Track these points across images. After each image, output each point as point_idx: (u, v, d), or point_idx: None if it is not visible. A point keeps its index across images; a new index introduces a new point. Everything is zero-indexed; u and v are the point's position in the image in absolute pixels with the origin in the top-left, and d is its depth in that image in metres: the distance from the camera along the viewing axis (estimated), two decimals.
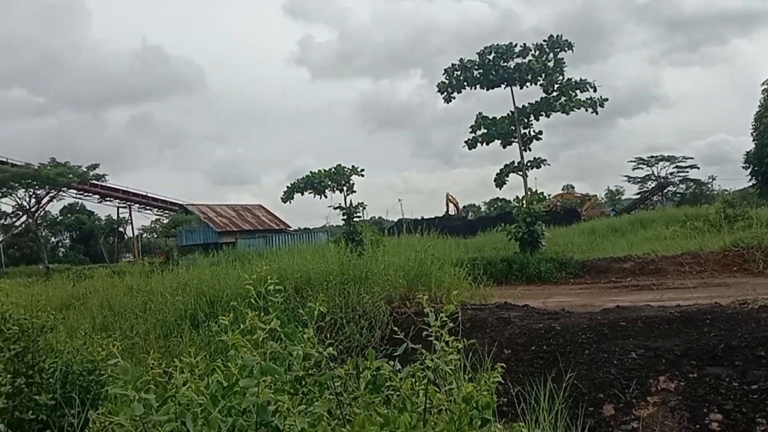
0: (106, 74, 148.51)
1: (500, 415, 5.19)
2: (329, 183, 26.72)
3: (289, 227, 59.84)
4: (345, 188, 27.02)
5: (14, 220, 50.97)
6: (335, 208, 23.64)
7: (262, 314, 3.04)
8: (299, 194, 28.02)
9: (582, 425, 5.29)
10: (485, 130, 22.85)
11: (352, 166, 26.94)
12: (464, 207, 78.11)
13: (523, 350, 7.82)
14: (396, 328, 2.94)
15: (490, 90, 22.77)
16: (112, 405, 6.93)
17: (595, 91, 21.74)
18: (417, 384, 2.67)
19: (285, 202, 27.14)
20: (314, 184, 27.07)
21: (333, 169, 26.76)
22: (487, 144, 22.99)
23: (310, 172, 26.82)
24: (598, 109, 21.79)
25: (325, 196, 27.85)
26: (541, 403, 5.32)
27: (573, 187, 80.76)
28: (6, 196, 45.98)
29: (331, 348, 2.92)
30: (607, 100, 21.97)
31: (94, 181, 50.27)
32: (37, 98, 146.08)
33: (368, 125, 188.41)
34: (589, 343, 7.34)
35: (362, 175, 27.12)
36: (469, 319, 9.16)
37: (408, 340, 2.58)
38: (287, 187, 27.60)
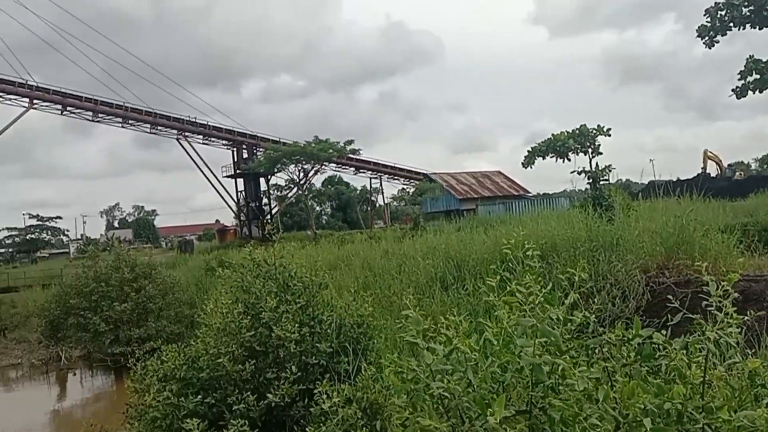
0: (356, 54, 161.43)
1: None
2: (572, 145, 25.64)
3: (528, 193, 58.94)
4: (590, 150, 25.70)
5: (287, 192, 58.73)
6: (580, 173, 22.62)
7: (517, 278, 3.12)
8: (540, 158, 27.41)
9: None
10: (758, 76, 19.74)
11: (598, 126, 25.47)
12: (728, 165, 68.64)
13: None
14: (671, 297, 2.80)
15: (764, 29, 19.52)
16: (377, 355, 7.71)
17: None
18: (692, 355, 2.52)
19: (526, 167, 26.77)
20: (556, 147, 26.22)
21: (576, 131, 25.61)
22: (761, 91, 19.87)
23: (552, 135, 26.02)
24: None
25: (568, 159, 26.80)
26: None
27: None
28: (280, 171, 53.15)
29: (593, 315, 2.91)
30: None
31: (350, 155, 55.23)
32: (299, 82, 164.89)
33: (612, 81, 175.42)
34: None
35: (609, 135, 25.51)
36: (741, 292, 8.16)
37: (684, 310, 2.45)
38: (528, 151, 27.17)
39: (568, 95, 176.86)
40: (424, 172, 61.10)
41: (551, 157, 26.63)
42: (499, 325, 2.67)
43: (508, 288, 2.83)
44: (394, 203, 76.09)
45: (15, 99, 45.81)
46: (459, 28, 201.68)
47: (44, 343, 22.83)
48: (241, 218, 56.91)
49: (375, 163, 61.27)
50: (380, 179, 63.12)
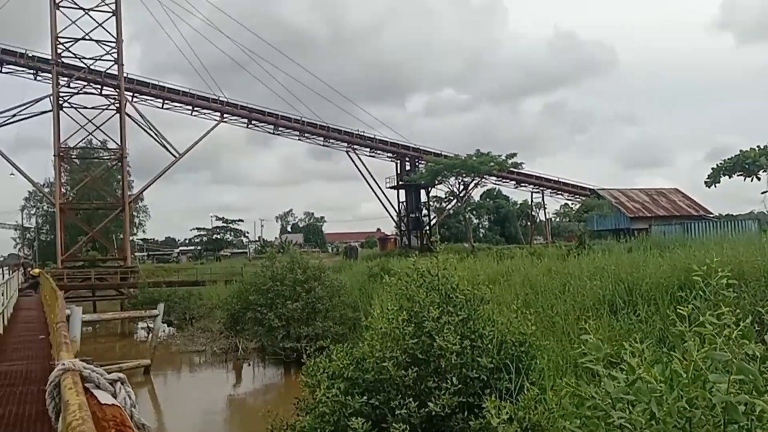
0: (522, 66, 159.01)
1: None
2: (764, 163, 23.13)
3: (710, 214, 53.62)
4: None
5: (446, 204, 59.23)
6: None
7: (705, 308, 2.94)
8: (726, 177, 25.08)
9: None
10: None
11: None
12: None
13: None
14: None
15: None
16: (539, 376, 7.55)
17: None
18: None
19: (710, 186, 24.58)
20: (745, 164, 23.84)
21: None
22: None
23: (740, 151, 23.65)
24: None
25: (758, 178, 24.31)
26: None
27: None
28: (441, 183, 53.82)
29: None
30: None
31: (511, 169, 54.36)
32: (462, 96, 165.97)
33: None
34: None
35: None
36: None
37: None
38: (712, 169, 25.00)
39: (759, 107, 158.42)
40: (591, 187, 58.23)
41: (738, 176, 24.19)
42: (688, 357, 2.53)
43: (696, 318, 2.68)
44: (556, 219, 73.47)
45: (208, 113, 51.33)
46: (634, 37, 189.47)
47: (225, 333, 25.18)
48: (402, 228, 58.43)
49: (537, 177, 59.64)
50: (542, 194, 61.26)
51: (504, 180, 58.85)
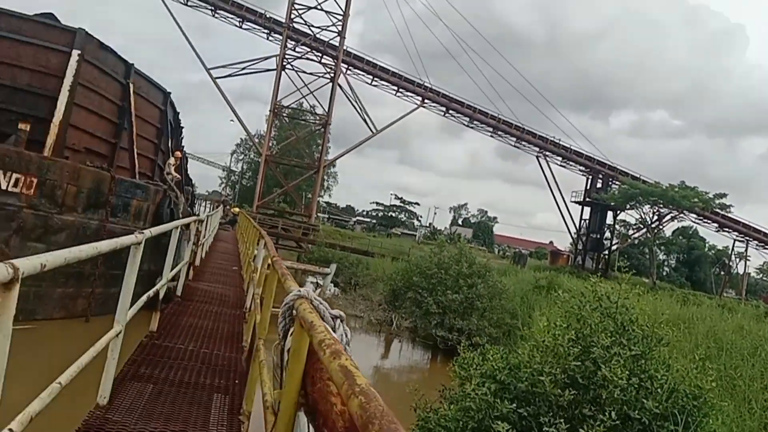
0: (751, 101, 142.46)
1: None
2: None
3: None
4: None
5: (633, 232, 55.36)
6: None
7: None
8: None
9: None
10: None
11: None
12: None
13: None
14: None
15: None
16: None
17: None
18: None
19: None
20: None
21: None
22: None
23: None
24: None
25: None
26: None
27: None
28: (632, 209, 50.34)
29: None
30: None
31: (717, 210, 49.23)
32: (676, 121, 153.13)
33: None
34: None
35: None
36: None
37: None
38: None
39: None
40: None
41: None
42: None
43: None
44: (758, 276, 65.34)
45: (411, 96, 52.97)
46: None
47: (383, 306, 26.14)
48: (578, 246, 55.76)
49: (745, 225, 53.18)
50: (747, 244, 54.58)
51: (705, 220, 53.31)
